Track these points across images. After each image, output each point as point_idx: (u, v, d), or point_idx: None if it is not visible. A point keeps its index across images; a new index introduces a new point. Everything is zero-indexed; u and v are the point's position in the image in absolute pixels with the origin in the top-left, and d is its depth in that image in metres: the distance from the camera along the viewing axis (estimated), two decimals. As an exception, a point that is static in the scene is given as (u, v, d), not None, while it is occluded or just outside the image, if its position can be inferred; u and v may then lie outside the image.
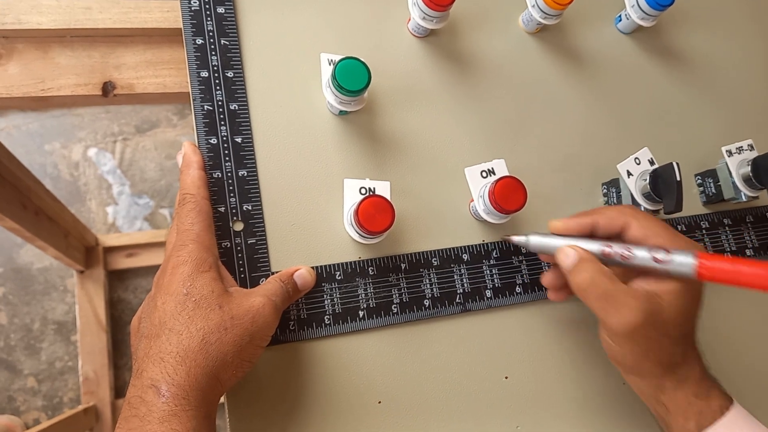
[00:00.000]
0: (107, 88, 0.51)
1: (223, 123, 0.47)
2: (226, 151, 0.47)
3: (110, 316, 1.37)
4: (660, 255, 0.40)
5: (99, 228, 1.44)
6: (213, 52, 0.48)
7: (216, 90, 0.47)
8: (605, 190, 0.55)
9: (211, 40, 0.48)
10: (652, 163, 0.52)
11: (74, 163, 1.47)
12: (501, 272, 0.50)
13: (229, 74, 0.48)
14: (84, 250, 1.31)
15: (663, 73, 0.60)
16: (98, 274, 1.34)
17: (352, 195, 0.47)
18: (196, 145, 0.46)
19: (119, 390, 1.33)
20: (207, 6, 0.49)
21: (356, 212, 0.44)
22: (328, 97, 0.48)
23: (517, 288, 0.50)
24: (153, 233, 1.42)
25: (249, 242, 0.46)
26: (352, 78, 0.46)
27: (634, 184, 0.51)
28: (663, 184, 0.49)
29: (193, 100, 0.47)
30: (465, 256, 0.50)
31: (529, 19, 0.55)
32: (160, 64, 0.53)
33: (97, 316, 1.33)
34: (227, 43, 0.49)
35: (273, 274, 0.45)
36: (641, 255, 0.40)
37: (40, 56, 0.50)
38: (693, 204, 0.57)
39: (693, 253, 0.39)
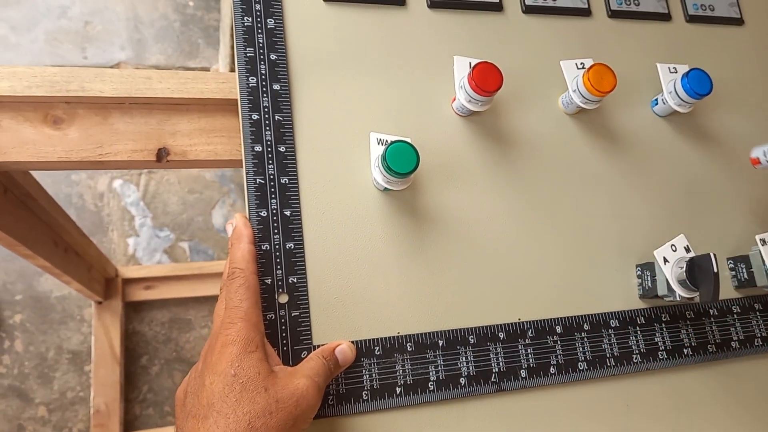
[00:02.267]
0: (161, 155, 0.53)
1: (273, 196, 0.49)
2: (275, 224, 0.48)
3: (124, 347, 1.37)
4: None
5: (119, 259, 1.46)
6: (267, 127, 0.50)
7: (268, 164, 0.49)
8: (639, 272, 0.56)
9: (266, 116, 0.50)
10: (687, 250, 0.53)
11: (99, 194, 1.49)
12: (536, 352, 0.51)
13: (281, 149, 0.50)
14: (104, 281, 1.32)
15: (699, 157, 0.61)
16: (116, 305, 1.35)
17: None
18: (247, 217, 0.48)
19: (128, 424, 1.33)
20: (264, 83, 0.51)
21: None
22: (375, 175, 0.50)
23: (552, 369, 0.51)
24: (172, 266, 1.43)
25: (293, 315, 0.47)
26: (401, 161, 0.47)
27: (670, 271, 0.52)
28: (699, 274, 0.50)
29: (246, 173, 0.48)
30: (501, 335, 0.51)
31: (570, 101, 0.57)
32: (213, 132, 0.55)
33: (112, 348, 1.33)
34: (281, 118, 0.50)
35: (314, 347, 0.46)
36: None
37: (99, 122, 0.52)
38: (725, 287, 0.58)
39: None
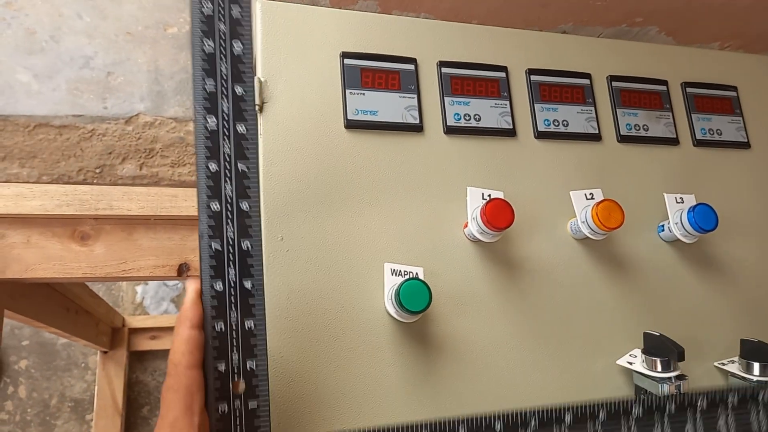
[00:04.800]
0: (182, 270, 0.55)
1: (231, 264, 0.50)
2: (233, 298, 0.43)
3: (126, 397, 1.38)
4: None
5: (126, 307, 1.47)
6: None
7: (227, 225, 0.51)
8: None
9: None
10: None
11: (110, 242, 1.51)
12: None
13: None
14: (110, 331, 1.34)
15: (703, 281, 0.63)
16: (121, 355, 1.36)
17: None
18: (199, 290, 0.42)
19: (126, 476, 1.33)
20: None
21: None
22: (389, 308, 0.52)
23: None
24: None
25: (250, 407, 0.42)
26: (414, 299, 0.49)
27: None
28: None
29: (200, 237, 0.50)
30: (497, 425, 0.49)
31: (577, 230, 0.59)
32: (232, 247, 0.57)
33: (114, 399, 1.34)
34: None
35: None
36: None
37: (124, 237, 0.54)
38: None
39: None
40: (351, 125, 0.57)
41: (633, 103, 0.66)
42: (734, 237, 0.65)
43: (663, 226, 0.63)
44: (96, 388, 1.33)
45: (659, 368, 0.53)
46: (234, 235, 0.43)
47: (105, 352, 1.35)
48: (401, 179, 0.57)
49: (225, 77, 0.44)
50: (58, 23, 1.60)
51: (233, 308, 0.42)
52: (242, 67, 0.45)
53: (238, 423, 0.41)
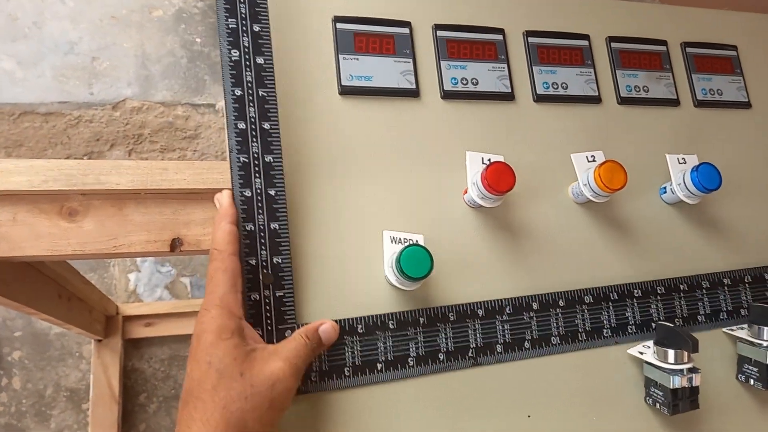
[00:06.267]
0: (175, 245, 0.53)
1: (257, 174, 0.48)
2: (260, 204, 0.48)
3: (123, 385, 1.37)
4: None
5: (119, 295, 1.46)
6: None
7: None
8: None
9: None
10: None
11: (101, 229, 1.49)
12: (512, 328, 0.53)
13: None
14: (104, 319, 1.32)
15: (705, 244, 0.62)
16: (115, 343, 1.35)
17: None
18: (232, 195, 0.48)
19: (126, 464, 1.32)
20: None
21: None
22: (389, 275, 0.50)
23: (526, 344, 0.52)
24: (172, 304, 1.43)
25: (277, 295, 0.47)
26: (415, 266, 0.47)
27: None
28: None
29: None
30: (480, 312, 0.52)
31: (579, 193, 0.58)
32: (226, 220, 0.55)
33: (110, 388, 1.32)
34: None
35: (299, 326, 0.47)
36: None
37: (114, 213, 0.52)
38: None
39: None
40: (345, 91, 0.55)
41: (633, 64, 0.65)
42: (736, 197, 0.65)
43: (665, 188, 0.62)
44: (91, 377, 1.31)
45: (671, 359, 0.52)
46: (258, 149, 0.49)
47: (99, 341, 1.33)
48: (398, 146, 0.56)
49: (247, 50, 0.50)
50: (41, 8, 1.57)
51: (260, 212, 0.48)
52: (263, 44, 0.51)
53: (267, 308, 0.46)
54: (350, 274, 0.51)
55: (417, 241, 0.51)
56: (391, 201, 0.54)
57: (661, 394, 0.53)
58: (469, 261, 0.54)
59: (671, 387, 0.51)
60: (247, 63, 0.50)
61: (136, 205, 0.53)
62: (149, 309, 1.40)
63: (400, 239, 0.51)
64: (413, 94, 0.57)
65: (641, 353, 0.54)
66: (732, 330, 0.58)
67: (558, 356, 0.54)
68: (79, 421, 1.35)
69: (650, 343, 0.55)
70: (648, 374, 0.54)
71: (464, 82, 0.59)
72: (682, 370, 0.51)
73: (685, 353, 0.52)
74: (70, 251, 0.51)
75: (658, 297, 0.58)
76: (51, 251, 0.50)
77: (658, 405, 0.53)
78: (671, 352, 0.52)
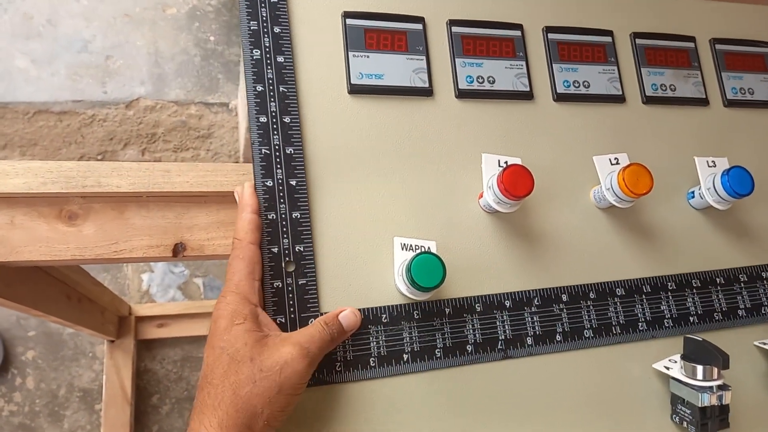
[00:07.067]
0: (178, 250, 0.51)
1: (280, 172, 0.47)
2: (281, 193, 0.49)
3: (135, 386, 1.36)
4: None
5: (132, 295, 1.45)
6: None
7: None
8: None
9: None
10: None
11: (115, 229, 1.49)
12: (542, 320, 0.51)
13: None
14: (117, 320, 1.31)
15: (734, 250, 0.59)
16: (128, 344, 1.34)
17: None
18: (254, 186, 0.48)
19: (138, 465, 1.31)
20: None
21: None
22: (399, 284, 0.48)
23: (558, 336, 0.51)
24: (185, 305, 1.42)
25: (300, 283, 0.47)
26: (427, 274, 0.45)
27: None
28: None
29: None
30: (507, 303, 0.50)
31: (602, 198, 0.55)
32: (231, 224, 0.54)
33: (123, 389, 1.32)
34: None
35: (321, 314, 0.46)
36: None
37: (115, 216, 0.51)
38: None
39: None
40: (355, 90, 0.53)
41: (659, 61, 0.61)
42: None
43: (693, 192, 0.58)
44: (104, 378, 1.31)
45: (700, 376, 0.49)
46: (279, 142, 0.49)
47: (112, 341, 1.32)
48: (410, 147, 0.53)
49: (269, 50, 0.51)
50: (55, 6, 1.57)
51: (282, 201, 0.48)
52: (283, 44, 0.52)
53: (290, 296, 0.46)
54: (371, 265, 0.50)
55: (429, 248, 0.49)
56: (402, 205, 0.51)
57: (688, 412, 0.49)
58: (483, 270, 0.52)
59: (700, 405, 0.48)
60: (268, 61, 0.51)
61: (138, 209, 0.51)
62: (162, 310, 1.40)
63: (411, 246, 0.49)
64: (426, 93, 0.54)
65: (667, 368, 0.51)
66: (764, 344, 0.55)
67: (580, 370, 0.51)
68: (92, 421, 1.35)
69: (677, 357, 0.52)
70: (675, 391, 0.51)
71: (480, 80, 0.56)
72: (711, 387, 0.48)
73: (715, 369, 0.48)
74: (70, 256, 0.49)
75: (694, 290, 0.56)
76: (50, 256, 0.49)
77: (685, 423, 0.50)
78: (700, 368, 0.48)
